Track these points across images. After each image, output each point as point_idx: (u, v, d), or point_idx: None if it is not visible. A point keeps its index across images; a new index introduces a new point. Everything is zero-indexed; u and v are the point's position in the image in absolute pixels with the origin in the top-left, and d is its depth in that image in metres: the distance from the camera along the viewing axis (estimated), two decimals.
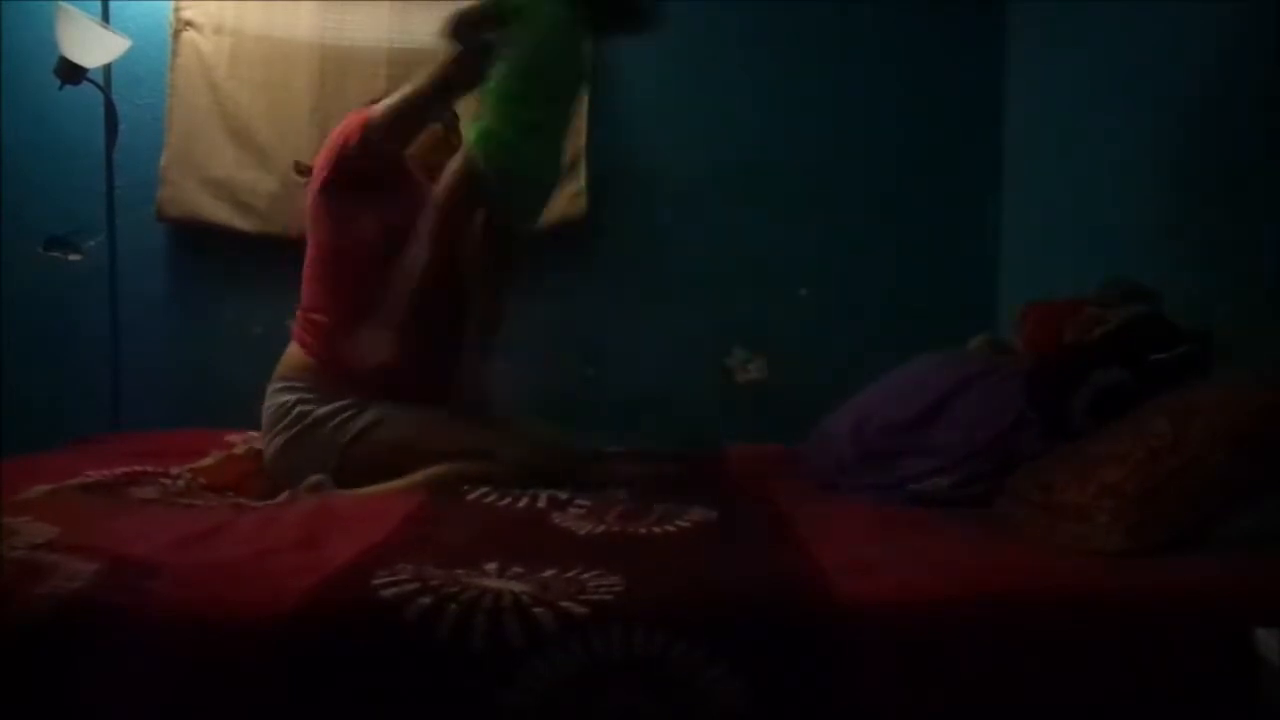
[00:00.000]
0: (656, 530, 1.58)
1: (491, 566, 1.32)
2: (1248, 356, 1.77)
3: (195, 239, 2.86)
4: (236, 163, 2.81)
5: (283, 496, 1.85)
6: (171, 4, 2.81)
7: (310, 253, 2.07)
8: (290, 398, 1.97)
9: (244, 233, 2.80)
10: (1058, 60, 2.69)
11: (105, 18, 2.75)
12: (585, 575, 1.29)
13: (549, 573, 1.31)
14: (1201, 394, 1.58)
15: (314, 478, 1.89)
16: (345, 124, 2.02)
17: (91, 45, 2.60)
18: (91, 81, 2.66)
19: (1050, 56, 2.74)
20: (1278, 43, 1.79)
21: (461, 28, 1.91)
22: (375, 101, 2.03)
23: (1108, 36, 2.40)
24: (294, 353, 2.04)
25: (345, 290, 2.00)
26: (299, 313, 2.08)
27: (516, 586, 1.25)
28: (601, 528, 1.59)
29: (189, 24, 2.81)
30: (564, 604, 1.21)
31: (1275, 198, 1.79)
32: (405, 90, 1.97)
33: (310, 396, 1.96)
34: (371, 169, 1.98)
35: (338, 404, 1.94)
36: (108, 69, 2.74)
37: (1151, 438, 1.51)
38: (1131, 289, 1.91)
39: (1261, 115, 1.83)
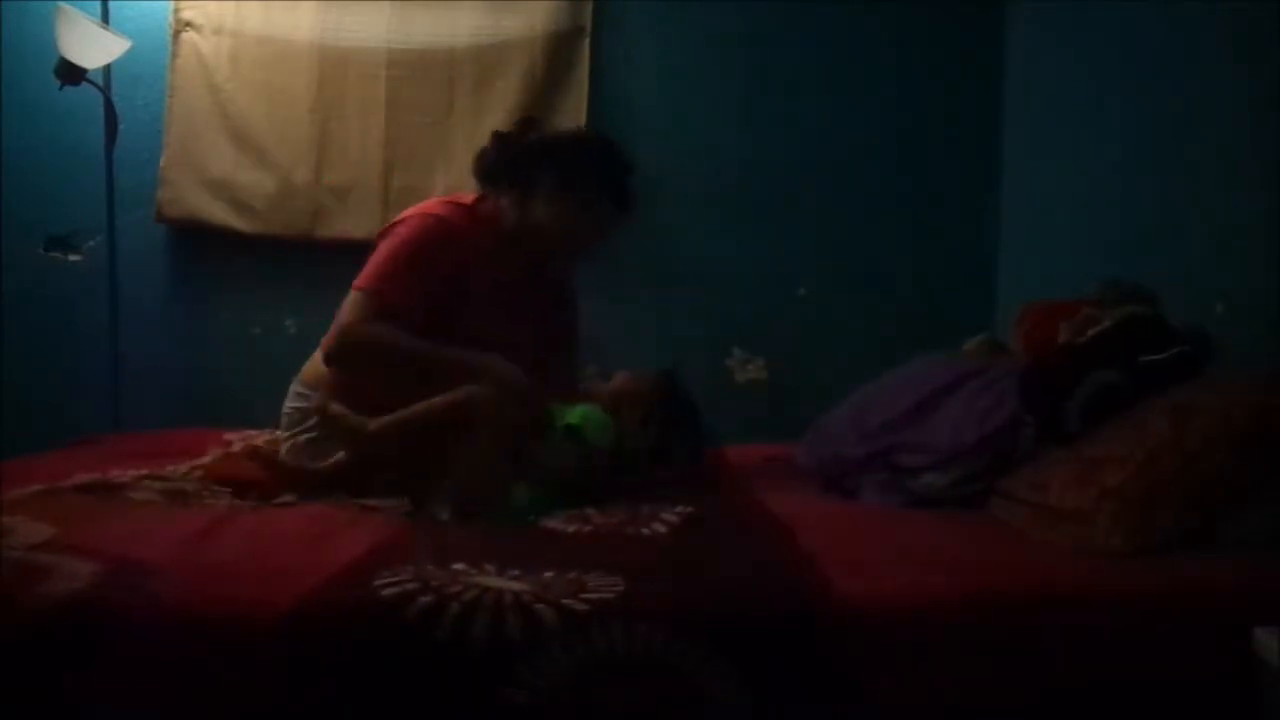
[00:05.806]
0: (653, 531, 1.58)
1: (490, 566, 1.32)
2: (1247, 356, 1.77)
3: (195, 239, 2.86)
4: (236, 163, 2.82)
5: (284, 499, 1.85)
6: (171, 4, 2.81)
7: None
8: (312, 403, 1.97)
9: (243, 233, 2.81)
10: (1058, 60, 2.69)
11: (105, 18, 2.75)
12: (585, 574, 1.29)
13: (549, 573, 1.30)
14: (1200, 394, 1.58)
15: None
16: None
17: (91, 46, 2.60)
18: (91, 82, 2.66)
19: (1050, 56, 2.74)
20: (1277, 43, 1.79)
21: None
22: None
23: (1107, 36, 2.40)
24: (320, 362, 2.03)
25: None
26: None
27: (517, 585, 1.25)
28: (593, 528, 1.59)
29: (189, 24, 2.81)
30: (565, 601, 1.21)
31: (1274, 198, 1.79)
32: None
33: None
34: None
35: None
36: (107, 69, 2.74)
37: (1151, 439, 1.51)
38: (1129, 289, 1.91)
39: (1261, 115, 1.83)
